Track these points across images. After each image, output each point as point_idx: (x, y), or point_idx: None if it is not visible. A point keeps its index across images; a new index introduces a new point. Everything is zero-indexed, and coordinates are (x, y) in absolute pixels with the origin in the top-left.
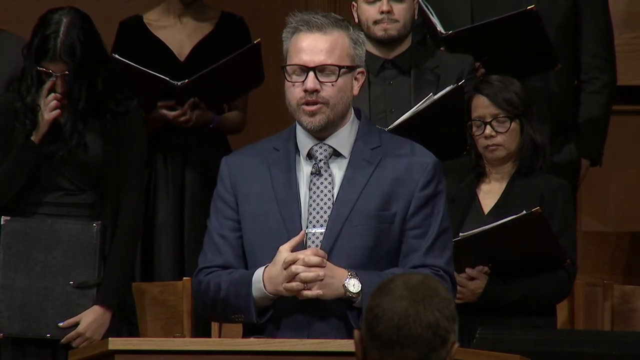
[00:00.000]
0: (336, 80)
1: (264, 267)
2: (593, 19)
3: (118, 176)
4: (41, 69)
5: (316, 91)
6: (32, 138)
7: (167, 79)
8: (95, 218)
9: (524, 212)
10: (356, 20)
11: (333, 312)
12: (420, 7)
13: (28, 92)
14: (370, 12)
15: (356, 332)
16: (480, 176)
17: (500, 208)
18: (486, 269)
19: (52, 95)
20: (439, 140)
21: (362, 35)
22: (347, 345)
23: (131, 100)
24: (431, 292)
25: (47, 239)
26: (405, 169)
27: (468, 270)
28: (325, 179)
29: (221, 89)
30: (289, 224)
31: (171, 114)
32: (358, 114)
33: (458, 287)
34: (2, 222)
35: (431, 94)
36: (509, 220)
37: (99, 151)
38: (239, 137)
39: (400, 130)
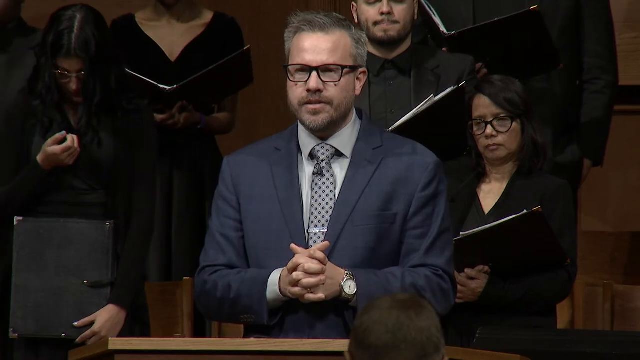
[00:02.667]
0: (339, 80)
1: (281, 269)
2: (594, 19)
3: (130, 175)
4: (57, 71)
5: (319, 91)
6: (41, 165)
7: (156, 83)
8: (107, 217)
9: (525, 211)
10: (356, 20)
11: (332, 312)
12: (421, 7)
13: (48, 91)
14: (370, 13)
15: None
16: (480, 176)
17: (500, 208)
18: (486, 268)
19: (68, 152)
20: (439, 142)
21: (364, 35)
22: (346, 345)
23: (142, 99)
24: (419, 305)
25: (59, 239)
26: (406, 169)
27: (468, 270)
28: (327, 179)
29: (209, 91)
30: (290, 223)
31: (159, 117)
32: (360, 114)
33: (459, 287)
34: (14, 223)
35: (432, 95)
36: (509, 220)
37: (110, 149)
38: (230, 137)
39: (401, 131)
